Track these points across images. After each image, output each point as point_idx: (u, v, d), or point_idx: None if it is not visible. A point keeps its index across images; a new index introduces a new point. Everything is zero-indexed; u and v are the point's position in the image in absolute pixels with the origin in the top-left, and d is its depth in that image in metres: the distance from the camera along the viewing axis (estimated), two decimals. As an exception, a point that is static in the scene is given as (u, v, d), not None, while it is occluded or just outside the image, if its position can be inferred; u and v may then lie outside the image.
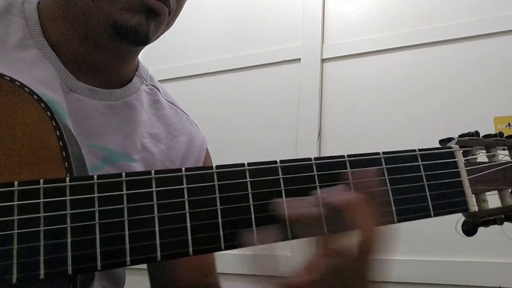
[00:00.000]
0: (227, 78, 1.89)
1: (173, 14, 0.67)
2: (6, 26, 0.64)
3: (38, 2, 0.67)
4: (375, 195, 0.46)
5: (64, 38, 0.65)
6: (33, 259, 0.39)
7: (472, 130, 0.55)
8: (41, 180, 0.41)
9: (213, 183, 0.44)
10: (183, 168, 0.44)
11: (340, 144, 1.60)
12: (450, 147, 0.52)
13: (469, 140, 0.53)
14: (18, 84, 0.48)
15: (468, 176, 0.50)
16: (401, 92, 1.57)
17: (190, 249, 0.42)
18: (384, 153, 0.49)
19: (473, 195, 0.50)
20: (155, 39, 0.68)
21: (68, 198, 0.41)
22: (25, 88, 0.48)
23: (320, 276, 0.43)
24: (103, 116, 0.67)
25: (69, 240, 0.40)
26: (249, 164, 0.46)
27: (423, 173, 0.50)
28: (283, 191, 0.46)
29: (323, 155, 1.62)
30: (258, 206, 0.45)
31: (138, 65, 0.76)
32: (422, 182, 0.49)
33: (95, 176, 0.42)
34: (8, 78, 0.48)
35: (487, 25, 1.50)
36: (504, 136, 0.54)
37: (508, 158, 0.53)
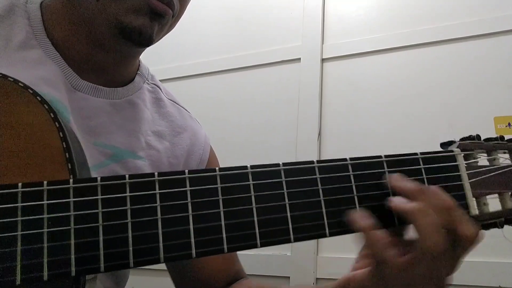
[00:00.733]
0: (227, 78, 1.89)
1: (176, 16, 0.68)
2: (9, 26, 0.64)
3: (41, 2, 0.68)
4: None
5: (68, 38, 0.65)
6: (37, 260, 0.39)
7: (472, 131, 0.55)
8: (45, 182, 0.41)
9: (216, 186, 0.45)
10: (186, 171, 0.44)
11: (340, 144, 1.60)
12: (452, 151, 0.52)
13: (470, 144, 0.53)
14: (22, 85, 0.48)
15: (469, 179, 0.51)
16: (401, 92, 1.57)
17: (193, 251, 0.43)
18: (386, 156, 0.50)
19: (474, 199, 0.51)
20: (158, 41, 0.68)
21: (71, 200, 0.41)
22: (29, 89, 0.48)
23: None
24: (107, 114, 0.68)
25: (72, 242, 0.40)
26: (252, 166, 0.46)
27: (424, 176, 0.50)
28: (285, 193, 0.46)
29: (323, 155, 1.62)
30: (261, 208, 0.45)
31: (139, 65, 0.77)
32: (424, 185, 0.49)
33: (99, 178, 0.42)
34: (12, 79, 0.48)
35: (487, 25, 1.50)
36: (505, 139, 0.54)
37: (508, 162, 0.54)
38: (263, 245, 0.44)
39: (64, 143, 0.46)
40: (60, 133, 0.46)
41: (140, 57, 0.77)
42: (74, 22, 0.65)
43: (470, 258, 1.31)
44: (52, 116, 0.47)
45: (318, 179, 0.47)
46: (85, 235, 0.41)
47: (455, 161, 0.51)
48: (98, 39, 0.64)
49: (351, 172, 0.48)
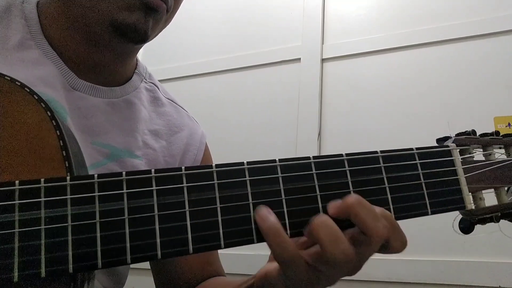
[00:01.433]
0: (227, 78, 1.90)
1: (171, 12, 0.68)
2: (6, 26, 0.64)
3: (37, 2, 0.68)
4: None
5: (64, 37, 0.66)
6: (34, 257, 0.39)
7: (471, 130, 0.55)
8: (42, 179, 0.41)
9: (213, 182, 0.45)
10: (183, 167, 0.45)
11: (340, 144, 1.61)
12: (447, 146, 0.52)
13: (466, 139, 0.53)
14: (19, 84, 0.48)
15: (465, 174, 0.51)
16: (401, 92, 1.57)
17: (190, 247, 0.43)
18: (382, 151, 0.50)
19: (470, 193, 0.51)
20: (154, 37, 0.69)
21: (68, 197, 0.41)
22: (26, 88, 0.48)
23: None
24: (105, 113, 0.68)
25: (70, 238, 0.40)
26: (249, 163, 0.46)
27: (420, 171, 0.50)
28: (282, 190, 0.46)
29: (323, 155, 1.62)
30: (257, 204, 0.45)
31: (137, 64, 0.77)
32: (420, 180, 0.49)
33: (96, 175, 0.43)
34: (9, 78, 0.48)
35: (487, 25, 1.51)
36: (501, 134, 0.54)
37: (504, 157, 0.54)
38: (259, 240, 0.44)
39: (61, 141, 0.46)
40: (57, 132, 0.46)
41: (140, 57, 0.77)
42: (69, 21, 0.65)
43: (470, 258, 1.31)
44: (49, 114, 0.47)
45: (315, 175, 0.47)
46: (83, 231, 0.41)
47: (451, 156, 0.51)
48: (94, 37, 0.65)
49: (347, 168, 0.48)
